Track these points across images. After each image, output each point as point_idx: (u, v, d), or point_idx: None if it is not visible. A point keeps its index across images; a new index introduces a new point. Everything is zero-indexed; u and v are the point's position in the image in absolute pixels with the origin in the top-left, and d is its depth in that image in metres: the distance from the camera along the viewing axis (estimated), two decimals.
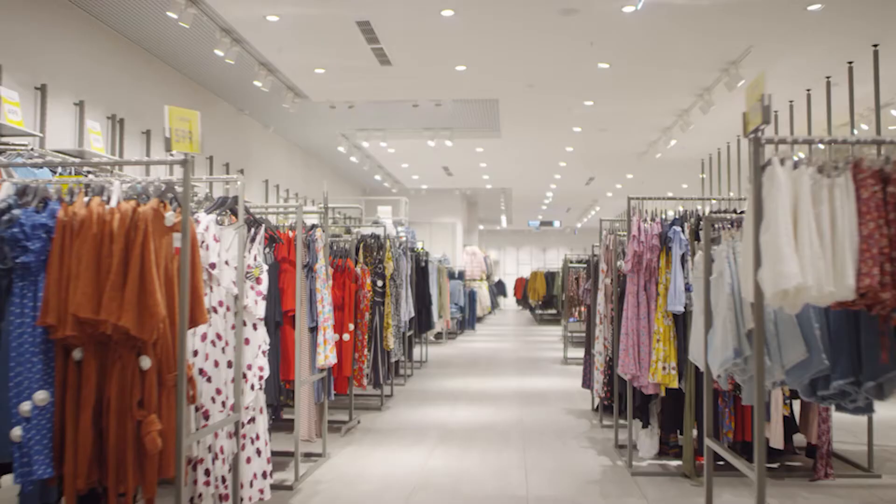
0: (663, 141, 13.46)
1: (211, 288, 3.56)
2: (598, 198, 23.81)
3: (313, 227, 5.36)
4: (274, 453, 5.42)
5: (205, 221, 3.53)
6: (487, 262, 24.25)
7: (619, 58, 9.31)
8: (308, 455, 5.47)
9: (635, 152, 15.40)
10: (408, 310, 9.28)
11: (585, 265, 13.37)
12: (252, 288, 3.79)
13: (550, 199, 24.23)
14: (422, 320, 10.91)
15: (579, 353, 12.46)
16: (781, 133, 11.23)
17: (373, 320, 7.35)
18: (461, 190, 22.34)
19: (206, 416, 3.50)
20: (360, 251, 7.49)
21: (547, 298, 21.32)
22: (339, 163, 17.27)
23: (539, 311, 23.19)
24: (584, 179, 19.69)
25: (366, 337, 6.80)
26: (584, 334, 15.76)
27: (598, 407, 7.35)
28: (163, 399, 2.96)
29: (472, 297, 18.84)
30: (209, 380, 3.53)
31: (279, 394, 4.90)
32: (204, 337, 3.54)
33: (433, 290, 12.88)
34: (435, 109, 11.94)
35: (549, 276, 21.17)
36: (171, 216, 3.00)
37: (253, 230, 3.96)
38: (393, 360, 7.72)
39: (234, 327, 3.66)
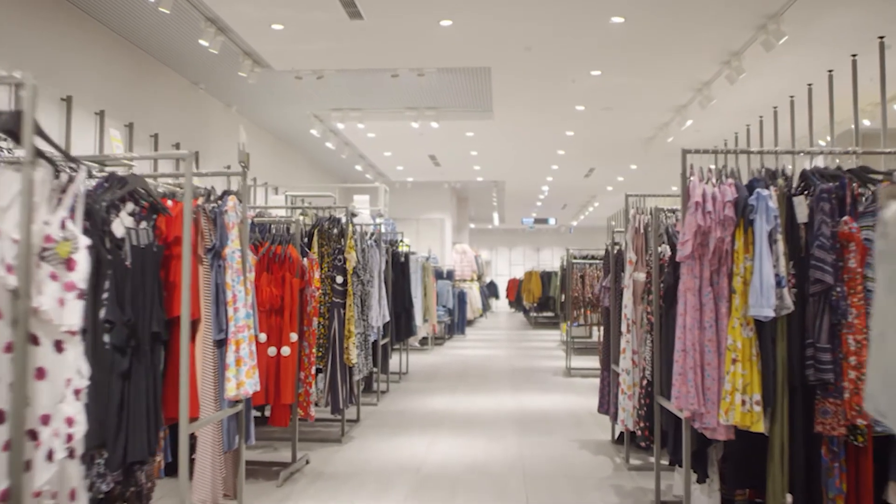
0: (677, 122, 11.85)
1: None
2: (597, 193, 22.19)
3: (225, 193, 3.70)
4: None
5: None
6: (479, 262, 22.62)
7: (635, 8, 7.68)
8: None
9: (642, 137, 13.78)
10: (381, 314, 7.64)
11: (600, 260, 11.77)
12: (54, 277, 2.13)
13: (546, 193, 22.60)
14: (401, 325, 9.27)
15: (584, 362, 10.87)
16: (816, 111, 9.64)
17: (330, 327, 5.70)
18: (450, 183, 20.66)
19: None
20: (315, 238, 5.84)
21: (543, 300, 19.73)
22: (314, 151, 15.57)
23: (534, 314, 21.59)
24: (584, 171, 18.07)
25: (314, 350, 5.13)
26: (588, 340, 14.30)
27: (619, 437, 5.73)
28: None
29: (461, 298, 17.20)
30: None
31: (154, 443, 3.21)
32: None
33: (416, 291, 11.24)
34: (417, 81, 10.27)
35: (546, 276, 19.57)
36: None
37: (65, 177, 2.29)
38: (357, 377, 6.05)
39: (9, 348, 2.01)
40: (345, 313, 5.78)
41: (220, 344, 3.58)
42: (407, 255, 9.94)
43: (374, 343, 7.56)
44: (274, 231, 4.96)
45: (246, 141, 3.72)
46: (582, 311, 11.43)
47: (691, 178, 3.47)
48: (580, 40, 8.59)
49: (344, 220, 5.95)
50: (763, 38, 8.07)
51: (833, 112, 9.04)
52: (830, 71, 8.98)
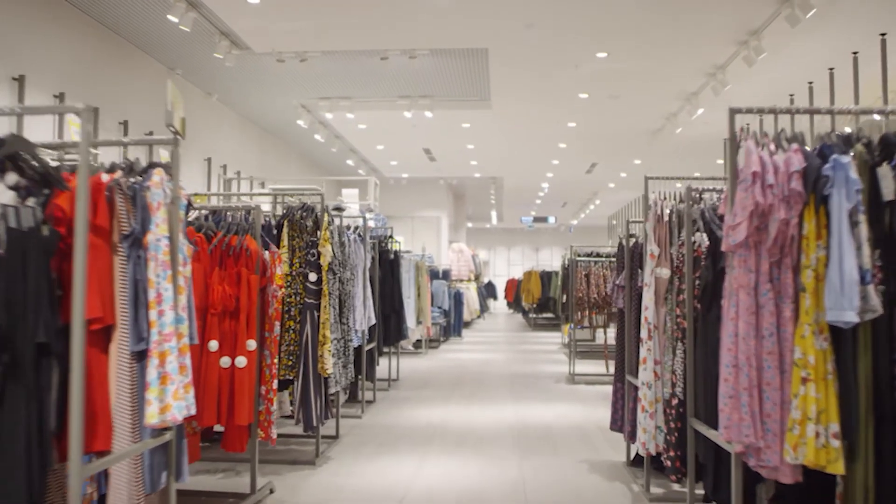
0: (688, 110, 11.10)
1: None
2: (599, 190, 21.43)
3: (150, 166, 2.93)
4: None
5: None
6: (476, 261, 21.86)
7: None
8: None
9: (649, 129, 13.03)
10: (367, 316, 6.88)
11: (606, 258, 10.98)
12: None
13: (546, 190, 21.82)
14: (389, 328, 8.51)
15: (588, 367, 10.11)
16: (837, 99, 8.91)
17: (301, 332, 4.93)
18: (446, 179, 19.88)
19: None
20: (285, 230, 5.08)
21: (543, 301, 18.96)
22: (303, 144, 14.81)
23: (533, 316, 20.83)
24: (585, 166, 17.31)
25: (276, 359, 4.36)
26: (592, 343, 13.51)
27: (636, 458, 4.97)
28: None
29: (458, 299, 16.44)
30: None
31: (39, 489, 2.44)
32: None
33: (409, 291, 10.49)
34: (409, 65, 9.49)
35: (546, 276, 18.81)
36: None
37: None
38: (333, 389, 5.29)
39: None
40: (319, 316, 5.01)
41: (141, 357, 2.81)
42: (397, 253, 9.17)
43: (359, 348, 6.82)
44: (230, 219, 4.19)
45: (177, 101, 2.95)
46: (587, 312, 10.65)
47: (745, 143, 2.71)
48: (586, 16, 7.82)
49: (318, 209, 5.18)
50: (788, 12, 7.32)
51: (858, 97, 8.31)
52: (855, 53, 8.24)
